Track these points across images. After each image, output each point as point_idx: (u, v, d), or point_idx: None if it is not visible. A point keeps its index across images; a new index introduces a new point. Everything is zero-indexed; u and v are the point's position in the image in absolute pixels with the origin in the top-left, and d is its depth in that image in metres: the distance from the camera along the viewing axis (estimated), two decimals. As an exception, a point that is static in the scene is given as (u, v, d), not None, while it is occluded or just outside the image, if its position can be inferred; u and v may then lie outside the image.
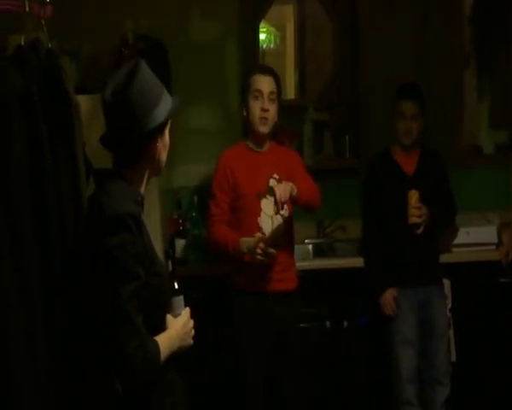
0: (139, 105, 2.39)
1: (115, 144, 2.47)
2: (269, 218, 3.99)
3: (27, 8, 2.65)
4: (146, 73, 2.46)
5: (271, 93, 4.01)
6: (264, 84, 4.02)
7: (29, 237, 2.48)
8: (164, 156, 2.55)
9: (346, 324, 4.67)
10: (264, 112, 3.99)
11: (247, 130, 4.15)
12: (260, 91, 4.00)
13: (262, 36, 5.79)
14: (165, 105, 2.47)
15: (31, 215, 2.49)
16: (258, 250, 3.82)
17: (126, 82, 2.39)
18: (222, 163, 4.06)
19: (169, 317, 2.53)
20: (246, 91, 4.06)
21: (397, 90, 4.51)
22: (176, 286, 2.62)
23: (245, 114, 4.08)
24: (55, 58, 2.62)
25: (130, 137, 2.41)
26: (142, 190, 2.52)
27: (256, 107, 4.00)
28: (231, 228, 4.01)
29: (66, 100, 2.61)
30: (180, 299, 2.61)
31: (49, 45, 2.69)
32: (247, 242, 3.88)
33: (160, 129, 2.47)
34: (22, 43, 2.62)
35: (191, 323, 2.60)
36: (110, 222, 2.32)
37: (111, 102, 2.40)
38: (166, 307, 2.53)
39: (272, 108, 4.01)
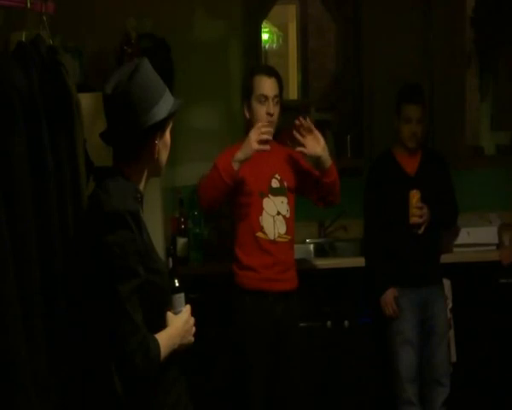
0: (139, 101, 2.39)
1: (114, 140, 2.48)
2: (270, 217, 3.99)
3: (29, 5, 2.65)
4: (148, 71, 2.46)
5: (276, 96, 3.99)
6: (270, 88, 3.97)
7: (31, 236, 2.48)
8: (164, 157, 2.55)
9: (346, 323, 4.67)
10: (269, 116, 3.97)
11: (248, 130, 4.12)
12: (266, 96, 3.96)
13: (264, 36, 5.79)
14: (165, 104, 2.47)
15: (32, 214, 2.49)
16: (255, 138, 3.74)
17: (128, 78, 2.40)
18: (227, 153, 4.03)
19: (169, 314, 2.53)
20: (249, 94, 4.01)
21: (400, 92, 4.50)
22: (176, 284, 2.63)
23: (247, 115, 4.05)
24: (57, 55, 2.62)
25: (129, 133, 2.41)
26: (141, 188, 2.52)
27: (261, 111, 3.97)
28: (233, 227, 4.00)
29: (68, 97, 2.61)
30: (181, 296, 2.61)
31: (51, 42, 2.69)
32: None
33: (159, 127, 2.46)
34: (23, 39, 2.62)
35: (192, 320, 2.60)
36: (109, 219, 2.32)
37: (111, 95, 2.41)
38: (167, 305, 2.53)
39: (277, 111, 4.00)
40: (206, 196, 3.92)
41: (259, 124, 3.80)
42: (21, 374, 2.41)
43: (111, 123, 2.46)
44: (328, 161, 3.92)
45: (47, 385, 2.50)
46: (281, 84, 4.05)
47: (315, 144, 3.90)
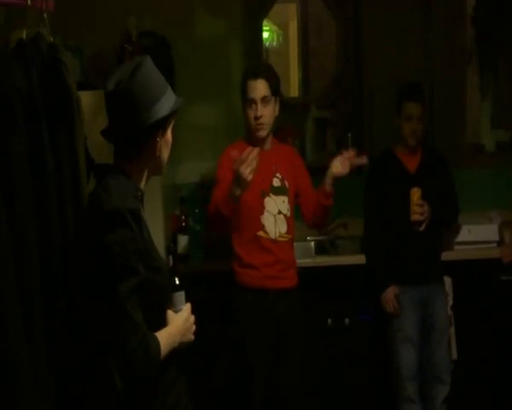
0: (140, 98, 2.38)
1: (116, 137, 2.47)
2: (272, 216, 4.00)
3: (29, 2, 2.65)
4: (150, 69, 2.45)
5: (264, 97, 3.96)
6: (256, 90, 3.96)
7: (31, 236, 2.48)
8: (165, 155, 2.53)
9: (347, 321, 4.68)
10: (257, 119, 3.96)
11: (248, 131, 4.13)
12: (253, 100, 3.96)
13: (265, 34, 5.79)
14: (167, 102, 2.45)
15: (32, 214, 2.49)
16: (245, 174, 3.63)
17: (130, 75, 2.39)
18: (226, 157, 4.04)
19: (170, 313, 2.51)
20: (243, 99, 4.03)
21: (399, 91, 4.51)
22: (177, 282, 2.62)
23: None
24: (57, 52, 2.61)
25: (130, 130, 2.41)
26: (142, 186, 2.51)
27: (250, 115, 3.97)
28: (233, 225, 4.01)
29: (68, 94, 2.61)
30: (181, 295, 2.60)
31: (52, 40, 2.68)
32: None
33: (160, 125, 2.45)
34: (24, 37, 2.62)
35: (192, 319, 2.59)
36: (109, 218, 2.31)
37: (113, 92, 2.40)
38: (167, 303, 2.52)
39: (267, 111, 3.97)
40: (214, 228, 4.03)
41: (245, 156, 3.63)
42: (21, 374, 2.41)
43: (112, 120, 2.45)
44: (330, 184, 3.95)
45: (47, 385, 2.50)
46: (272, 82, 4.00)
47: (338, 164, 3.95)
